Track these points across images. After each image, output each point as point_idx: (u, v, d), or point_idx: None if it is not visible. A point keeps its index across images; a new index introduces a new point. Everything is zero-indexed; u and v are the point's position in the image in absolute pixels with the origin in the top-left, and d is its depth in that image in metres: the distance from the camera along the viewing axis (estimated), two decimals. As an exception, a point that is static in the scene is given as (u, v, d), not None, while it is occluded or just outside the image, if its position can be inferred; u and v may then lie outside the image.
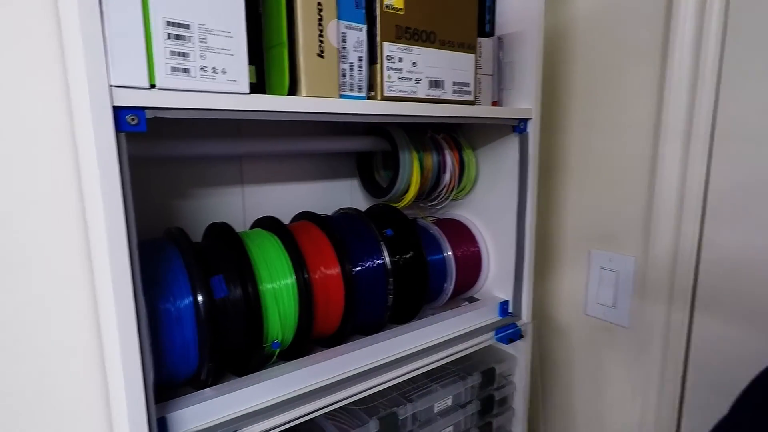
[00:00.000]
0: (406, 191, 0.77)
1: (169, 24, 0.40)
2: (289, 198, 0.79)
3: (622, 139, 0.83)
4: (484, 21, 0.75)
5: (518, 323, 0.78)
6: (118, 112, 0.39)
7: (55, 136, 0.54)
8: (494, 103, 0.76)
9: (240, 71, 0.44)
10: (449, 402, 0.71)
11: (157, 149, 0.58)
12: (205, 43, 0.42)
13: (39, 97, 0.53)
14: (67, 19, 0.38)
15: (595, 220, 0.89)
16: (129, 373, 0.42)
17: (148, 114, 0.41)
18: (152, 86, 0.41)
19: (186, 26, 0.41)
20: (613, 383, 0.90)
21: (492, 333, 0.75)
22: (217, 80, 0.43)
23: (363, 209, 0.77)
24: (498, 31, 0.76)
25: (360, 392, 0.61)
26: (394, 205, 0.78)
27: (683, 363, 0.77)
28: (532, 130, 0.73)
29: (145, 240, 0.55)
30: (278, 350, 0.58)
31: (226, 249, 0.56)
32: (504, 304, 0.80)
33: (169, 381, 0.52)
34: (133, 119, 0.40)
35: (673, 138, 0.74)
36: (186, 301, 0.50)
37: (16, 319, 0.55)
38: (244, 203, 0.74)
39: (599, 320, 0.89)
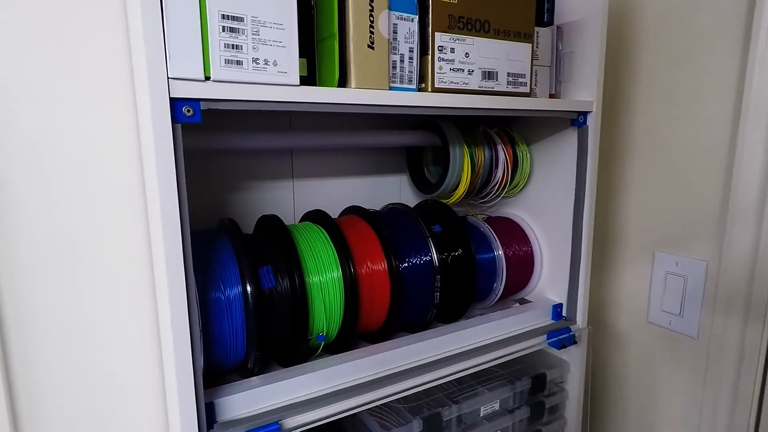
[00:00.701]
0: (456, 187, 0.75)
1: (224, 17, 0.41)
2: (339, 192, 0.79)
3: (694, 130, 0.76)
4: (543, 9, 0.71)
5: (572, 328, 0.74)
6: (175, 103, 0.40)
7: (123, 134, 0.57)
8: (552, 96, 0.72)
9: (291, 63, 0.45)
10: (496, 406, 0.69)
11: (211, 142, 0.59)
12: (258, 35, 0.43)
13: (109, 97, 0.56)
14: (131, 17, 0.40)
15: (660, 220, 0.82)
16: (180, 358, 0.43)
17: (203, 105, 0.42)
18: (207, 78, 0.42)
19: (240, 19, 0.42)
20: (674, 400, 0.83)
21: (543, 337, 0.71)
22: (268, 72, 0.44)
23: (412, 205, 0.76)
24: (557, 20, 0.72)
25: (404, 390, 0.60)
26: (444, 201, 0.76)
27: (761, 383, 0.70)
28: (593, 123, 0.69)
29: (199, 230, 0.57)
30: (323, 343, 0.58)
31: (274, 241, 0.57)
32: (557, 307, 0.76)
33: (217, 368, 0.53)
34: (188, 111, 0.41)
35: (754, 129, 0.67)
36: (235, 290, 0.51)
37: (83, 303, 0.58)
38: (294, 196, 0.75)
39: (663, 329, 0.83)
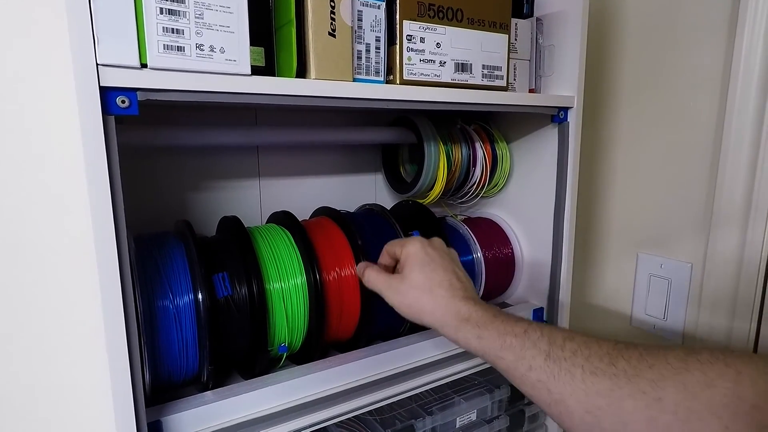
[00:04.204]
0: (432, 187, 0.71)
1: (162, -3, 0.37)
2: (310, 192, 0.75)
3: (678, 128, 0.74)
4: (523, 0, 0.68)
5: (554, 333, 0.71)
6: (107, 93, 0.36)
7: (63, 129, 0.53)
8: (531, 91, 0.69)
9: (241, 50, 0.41)
10: (473, 416, 0.66)
11: (168, 138, 0.55)
12: (202, 18, 0.39)
13: (52, 87, 0.52)
14: (54, -6, 0.36)
15: (644, 221, 0.80)
16: (116, 373, 0.39)
17: (140, 96, 0.38)
18: (143, 66, 0.38)
19: (180, 0, 0.38)
20: (662, 404, 0.80)
21: (523, 343, 0.68)
22: (214, 60, 0.40)
23: (389, 205, 0.73)
24: (537, 11, 0.69)
25: (375, 402, 0.56)
26: (420, 201, 0.72)
27: (747, 387, 0.68)
28: (574, 119, 0.66)
29: (151, 234, 0.53)
30: (286, 354, 0.54)
31: (233, 245, 0.53)
32: (538, 312, 0.73)
33: (168, 382, 0.49)
34: (123, 101, 0.37)
35: (740, 128, 0.64)
36: (186, 299, 0.47)
37: (26, 315, 0.54)
38: (261, 197, 0.71)
39: (647, 333, 0.81)
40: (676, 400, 0.31)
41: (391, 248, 0.53)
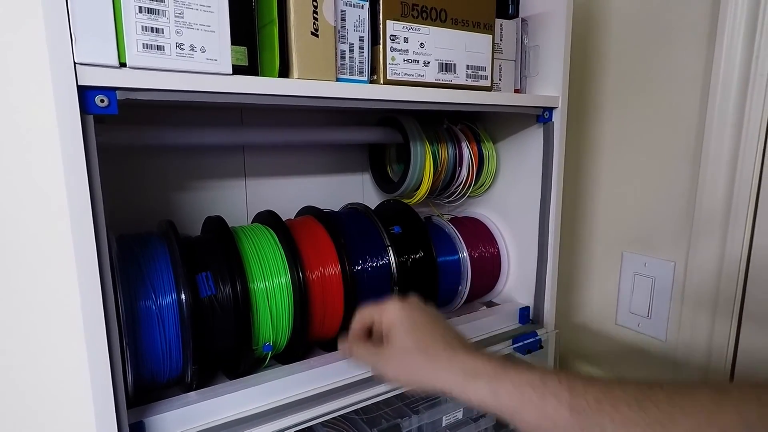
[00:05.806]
0: (419, 186, 0.71)
1: (141, -4, 0.37)
2: (297, 192, 0.75)
3: (661, 130, 0.75)
4: (508, 1, 0.68)
5: (539, 332, 0.71)
6: (85, 92, 0.36)
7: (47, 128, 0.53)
8: (516, 91, 0.69)
9: (221, 50, 0.41)
10: (459, 415, 0.66)
11: (151, 138, 0.55)
12: (182, 17, 0.39)
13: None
14: (31, -8, 0.35)
15: (628, 220, 0.80)
16: (96, 373, 0.39)
17: (120, 95, 0.38)
18: (122, 65, 0.37)
19: (160, -1, 0.38)
20: (646, 401, 0.81)
21: (509, 342, 0.69)
22: (195, 59, 0.40)
23: (374, 206, 0.73)
24: (522, 12, 0.69)
25: (361, 401, 0.56)
26: (406, 201, 0.73)
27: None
28: (558, 119, 0.66)
29: (134, 234, 0.52)
30: (270, 353, 0.54)
31: (217, 244, 0.53)
32: (524, 311, 0.74)
33: (152, 383, 0.49)
34: (102, 101, 0.37)
35: (720, 130, 0.65)
36: (169, 299, 0.47)
37: (10, 313, 0.53)
38: (247, 197, 0.71)
39: (632, 331, 0.81)
40: None
41: (368, 315, 0.49)
